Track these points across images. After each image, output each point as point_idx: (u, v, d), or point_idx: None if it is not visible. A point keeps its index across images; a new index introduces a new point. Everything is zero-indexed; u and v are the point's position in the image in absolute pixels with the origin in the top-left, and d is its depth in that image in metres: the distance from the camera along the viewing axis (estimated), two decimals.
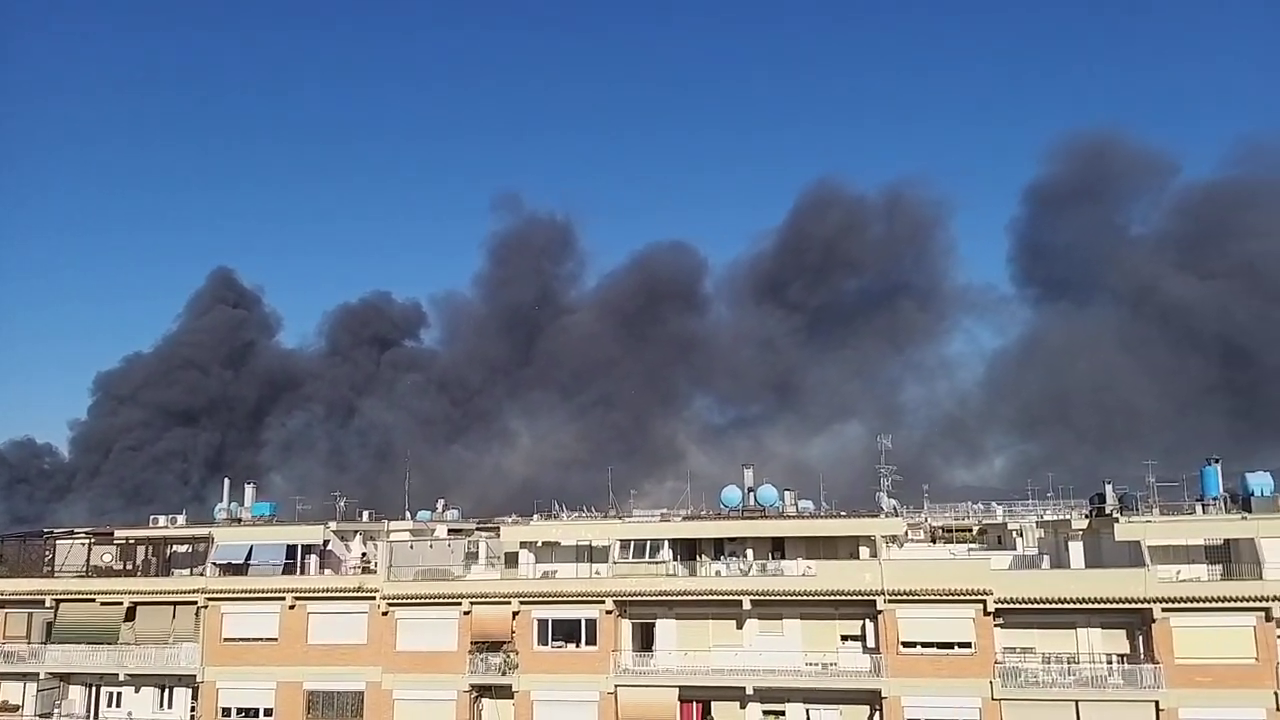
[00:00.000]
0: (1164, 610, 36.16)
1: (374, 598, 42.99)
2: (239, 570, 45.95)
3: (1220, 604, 36.16)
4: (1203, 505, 39.59)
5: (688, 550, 42.91)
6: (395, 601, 42.83)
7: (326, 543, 47.48)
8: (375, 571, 44.67)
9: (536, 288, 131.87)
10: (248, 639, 43.98)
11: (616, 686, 40.11)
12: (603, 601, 40.84)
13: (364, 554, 49.42)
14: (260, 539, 46.77)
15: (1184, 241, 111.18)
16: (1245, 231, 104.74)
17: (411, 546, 48.25)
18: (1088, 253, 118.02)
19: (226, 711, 43.67)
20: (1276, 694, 35.14)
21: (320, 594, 44.01)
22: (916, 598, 38.16)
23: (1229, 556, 38.21)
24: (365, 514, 53.91)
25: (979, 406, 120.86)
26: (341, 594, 43.71)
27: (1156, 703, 35.76)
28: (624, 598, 41.02)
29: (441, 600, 42.59)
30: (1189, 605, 36.18)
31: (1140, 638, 36.94)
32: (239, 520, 50.12)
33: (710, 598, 40.17)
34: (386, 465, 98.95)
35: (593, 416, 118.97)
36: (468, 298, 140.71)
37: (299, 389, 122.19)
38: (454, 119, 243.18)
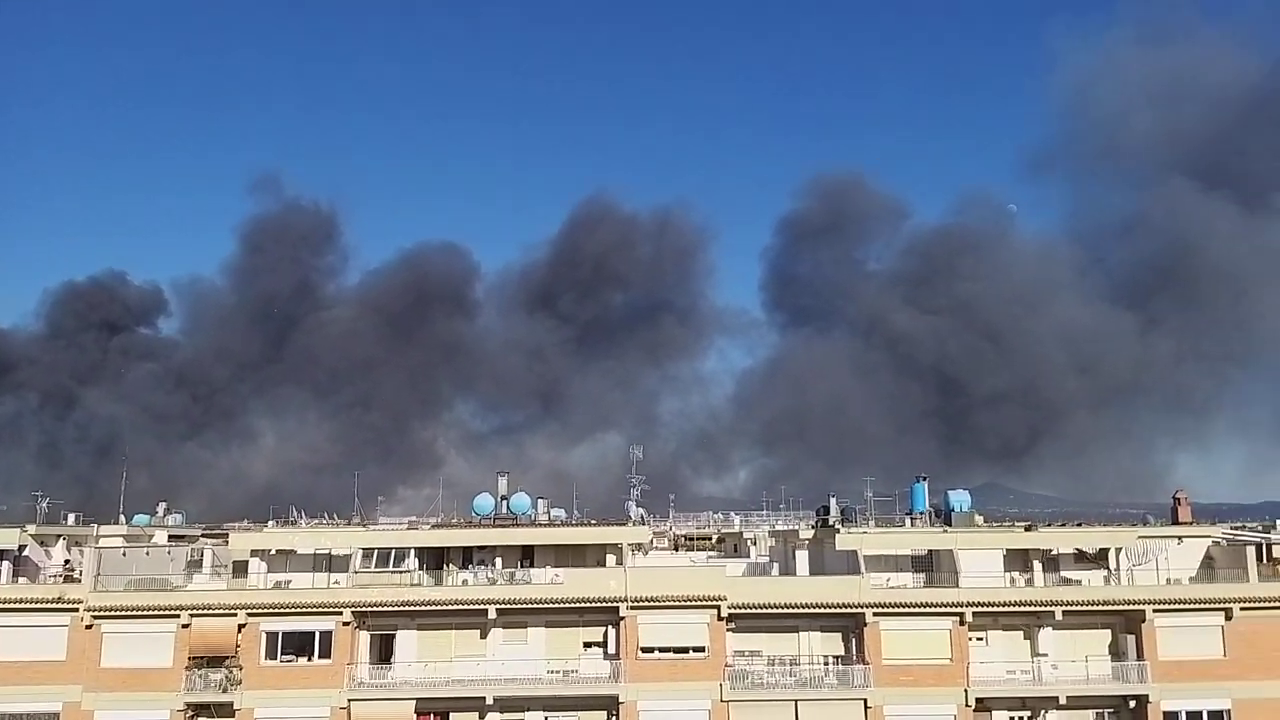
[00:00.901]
0: (875, 615, 39.42)
1: (77, 609, 38.72)
2: None
3: (922, 609, 39.95)
4: (911, 519, 43.75)
5: (435, 559, 41.96)
6: (102, 614, 38.80)
7: (23, 548, 42.34)
8: (80, 580, 40.26)
9: (294, 279, 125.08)
10: None
11: (350, 700, 38.42)
12: (340, 613, 39.03)
13: (67, 561, 44.47)
14: None
15: (911, 279, 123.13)
16: (962, 274, 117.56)
17: (125, 554, 43.89)
18: (830, 284, 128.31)
19: None
20: (966, 691, 39.04)
21: (10, 605, 39.08)
22: (657, 603, 39.39)
23: (931, 566, 42.32)
24: (72, 516, 48.54)
25: (728, 421, 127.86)
26: (37, 605, 39.04)
27: (865, 700, 38.79)
28: (363, 609, 39.43)
29: (156, 612, 39.04)
30: (896, 610, 39.68)
31: (854, 640, 40.02)
32: None
33: (455, 608, 39.44)
34: (108, 463, 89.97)
35: (348, 418, 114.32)
36: (216, 285, 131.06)
37: (9, 374, 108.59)
38: (217, 88, 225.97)
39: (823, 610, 39.61)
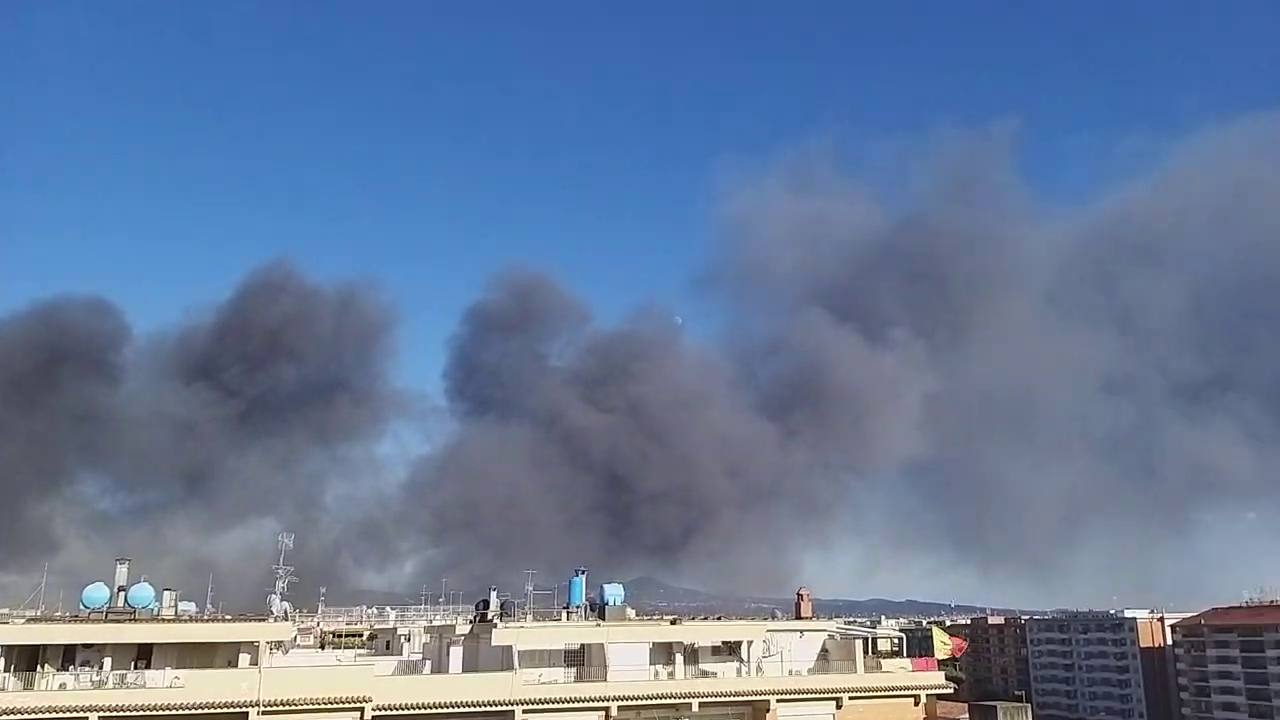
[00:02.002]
0: (525, 712, 39.23)
1: None
2: None
3: (571, 704, 40.37)
4: (568, 613, 44.48)
5: (28, 659, 36.03)
6: None
7: None
8: None
9: None
10: None
11: None
12: None
13: None
14: None
15: (589, 378, 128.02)
16: (634, 376, 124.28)
17: None
18: (513, 376, 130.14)
19: None
20: None
21: None
22: (295, 708, 36.47)
23: (583, 660, 43.08)
24: None
25: (398, 509, 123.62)
26: None
27: None
28: None
29: None
30: (546, 706, 39.77)
31: None
32: None
33: (49, 715, 33.95)
34: None
35: None
36: None
37: None
38: None
39: (473, 709, 38.78)
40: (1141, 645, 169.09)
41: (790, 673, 45.48)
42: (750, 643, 45.30)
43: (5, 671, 35.26)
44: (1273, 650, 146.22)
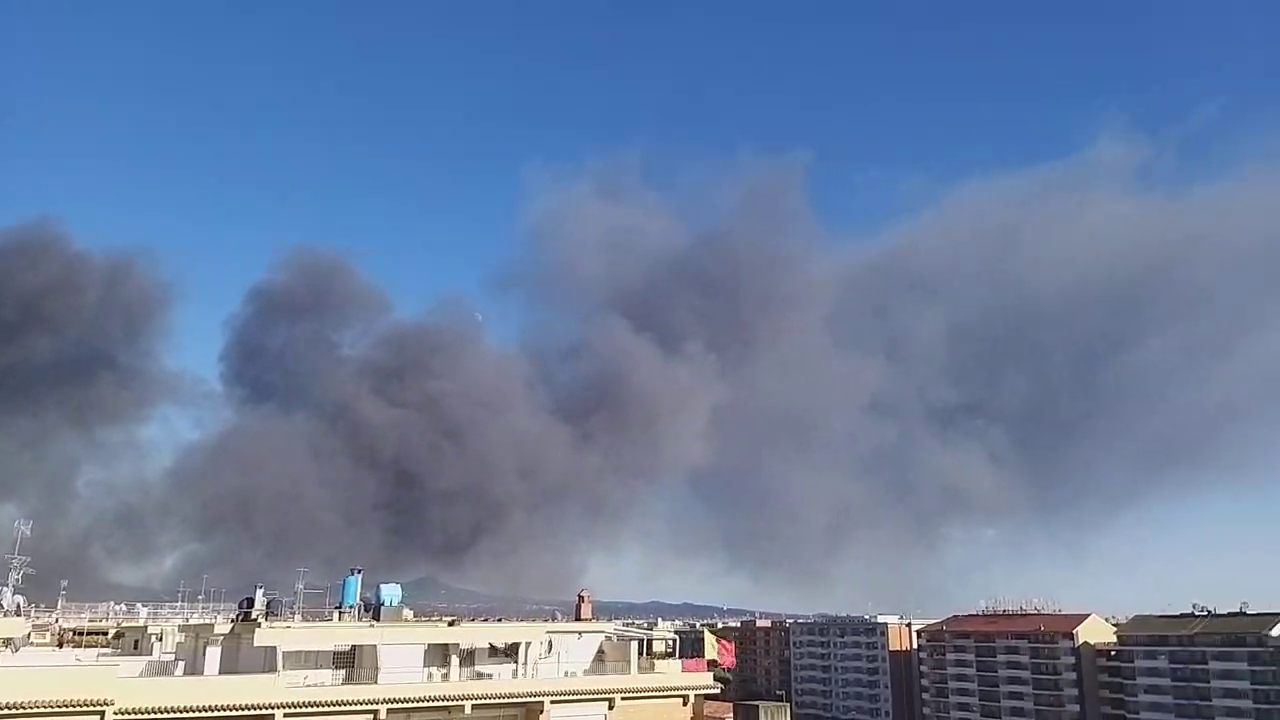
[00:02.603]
0: (286, 715, 37.42)
1: None
2: None
3: (337, 707, 38.90)
4: (340, 613, 42.94)
5: None
6: None
7: None
8: None
9: None
10: None
11: None
12: None
13: None
14: None
15: (383, 370, 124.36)
16: (433, 372, 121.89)
17: None
18: (299, 363, 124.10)
19: None
20: None
21: None
22: (24, 712, 33.05)
23: (354, 662, 41.71)
24: None
25: (160, 499, 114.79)
26: None
27: None
28: None
29: None
30: (308, 710, 38.12)
31: None
32: None
33: None
34: None
35: None
36: None
37: None
38: None
39: (229, 713, 36.60)
40: (891, 649, 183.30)
41: (566, 674, 46.00)
42: (528, 644, 45.46)
43: None
44: (1003, 655, 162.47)
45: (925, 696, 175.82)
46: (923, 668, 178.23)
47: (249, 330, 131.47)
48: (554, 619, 52.60)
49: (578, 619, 51.08)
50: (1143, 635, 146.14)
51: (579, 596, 51.94)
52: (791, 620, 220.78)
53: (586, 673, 47.29)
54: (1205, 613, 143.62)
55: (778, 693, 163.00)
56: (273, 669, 38.14)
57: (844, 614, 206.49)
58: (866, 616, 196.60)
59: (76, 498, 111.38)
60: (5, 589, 38.30)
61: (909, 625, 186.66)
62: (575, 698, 44.18)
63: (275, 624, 39.75)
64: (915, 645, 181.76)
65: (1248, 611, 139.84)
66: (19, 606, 39.07)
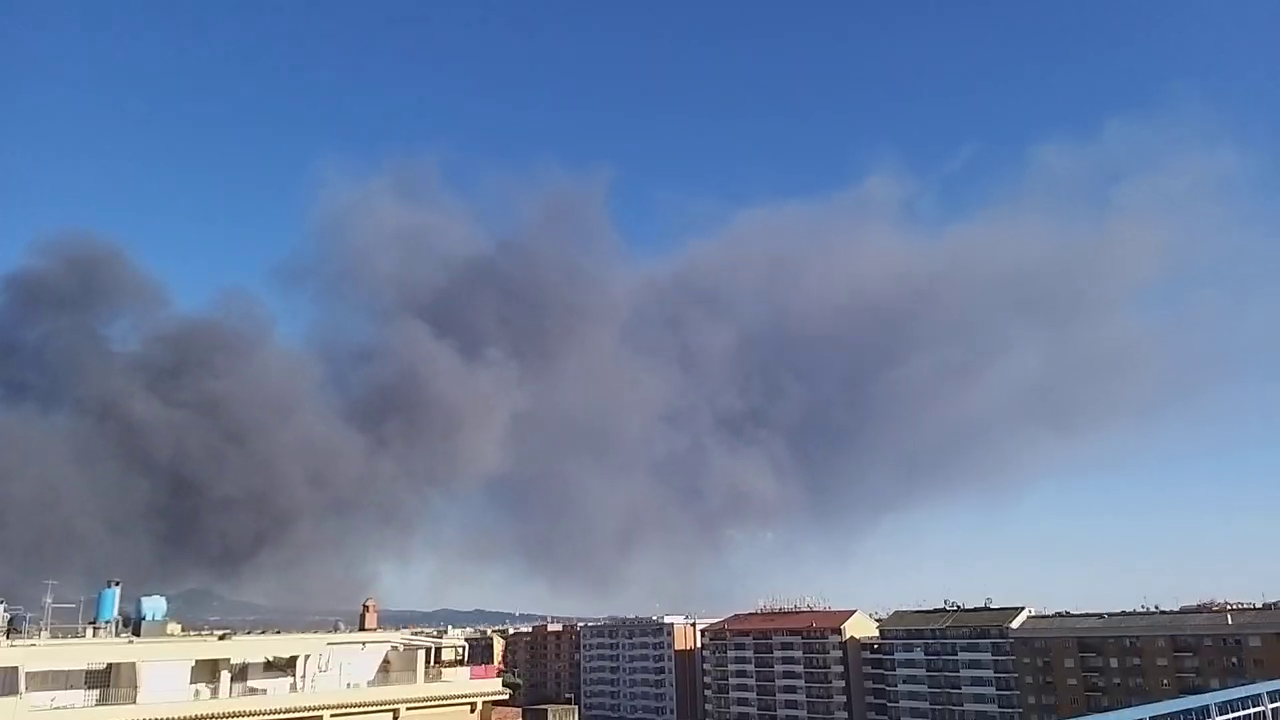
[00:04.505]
0: None
1: None
2: None
3: None
4: (95, 628, 39.94)
5: None
6: None
7: None
8: None
9: None
10: None
11: None
12: None
13: None
14: None
15: (159, 368, 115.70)
16: (215, 371, 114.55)
17: None
18: (62, 358, 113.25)
19: None
20: None
21: None
22: None
23: (109, 681, 38.96)
24: None
25: None
26: None
27: None
28: None
29: None
30: None
31: None
32: None
33: None
34: None
35: None
36: None
37: None
38: None
39: None
40: (676, 648, 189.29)
41: (349, 686, 44.96)
42: (307, 657, 44.07)
43: None
44: (779, 651, 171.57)
45: (708, 694, 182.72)
46: (705, 665, 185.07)
47: (2, 323, 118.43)
48: (337, 629, 51.16)
49: (362, 629, 50.01)
50: (901, 629, 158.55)
51: (364, 606, 50.84)
52: (583, 624, 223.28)
53: (370, 684, 46.40)
54: (955, 608, 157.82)
55: (566, 696, 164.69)
56: (14, 691, 35.07)
57: (633, 615, 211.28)
58: (654, 617, 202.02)
59: None
60: None
61: (694, 625, 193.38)
62: (357, 710, 43.32)
63: (18, 642, 36.52)
64: (699, 644, 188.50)
65: (991, 606, 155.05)
66: None
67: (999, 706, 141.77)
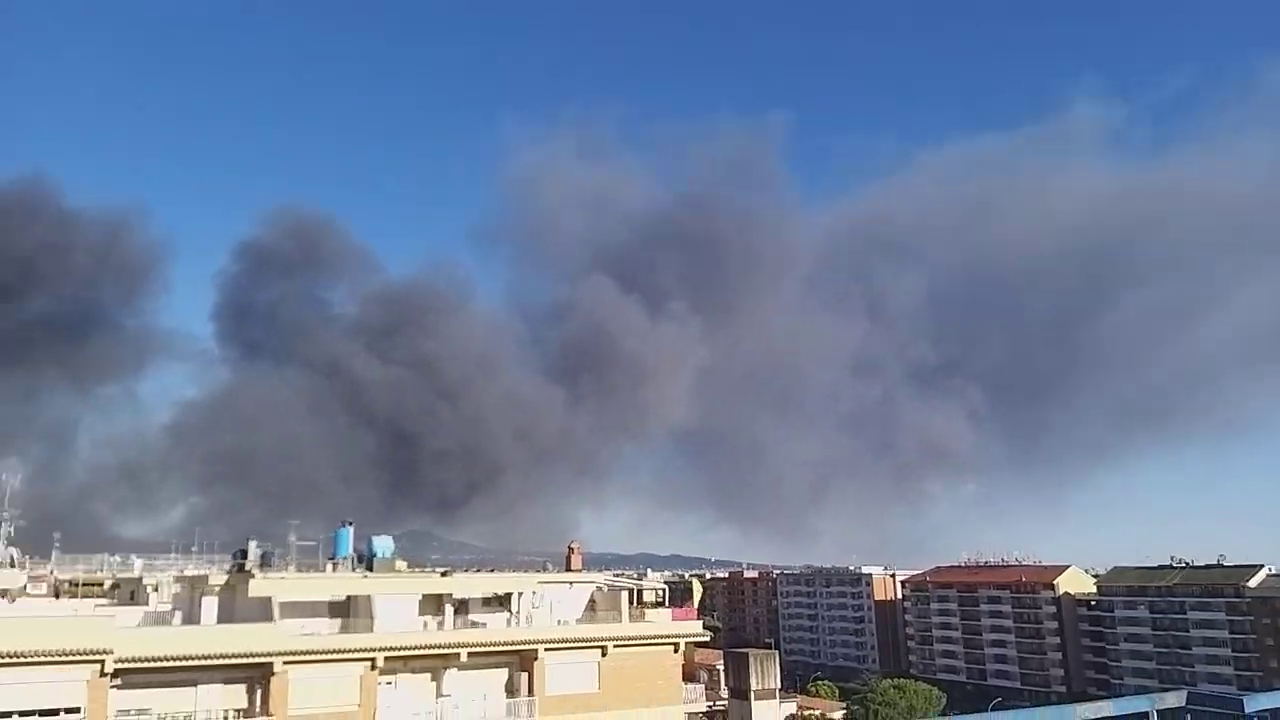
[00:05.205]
0: (285, 663, 38.06)
1: None
2: None
3: (336, 655, 39.54)
4: (334, 564, 43.43)
5: None
6: None
7: None
8: None
9: None
10: None
11: None
12: None
13: None
14: None
15: (375, 329, 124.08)
16: (424, 330, 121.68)
17: None
18: (291, 321, 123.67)
19: None
20: None
21: None
22: (21, 659, 33.54)
23: (348, 612, 42.32)
24: None
25: (161, 454, 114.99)
26: None
27: None
28: None
29: None
30: (308, 657, 38.75)
31: (260, 691, 38.14)
32: None
33: None
34: None
35: None
36: None
37: None
38: None
39: (228, 661, 37.24)
40: (876, 598, 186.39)
41: (559, 623, 46.77)
42: (520, 594, 46.13)
43: None
44: (986, 605, 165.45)
45: (910, 644, 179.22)
46: (907, 616, 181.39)
47: (238, 288, 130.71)
48: (545, 569, 53.29)
49: (568, 570, 51.80)
50: (1121, 586, 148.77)
51: (569, 548, 52.60)
52: (778, 571, 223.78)
53: (579, 622, 48.07)
54: (1183, 564, 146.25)
55: (766, 640, 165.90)
56: (268, 619, 38.69)
57: (829, 565, 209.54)
58: (851, 567, 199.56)
59: (76, 453, 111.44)
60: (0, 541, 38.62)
61: (893, 576, 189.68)
62: (569, 646, 44.99)
63: (270, 575, 40.23)
64: (900, 595, 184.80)
65: (1225, 563, 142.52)
66: (12, 559, 39.41)
67: (1234, 669, 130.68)
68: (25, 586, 39.76)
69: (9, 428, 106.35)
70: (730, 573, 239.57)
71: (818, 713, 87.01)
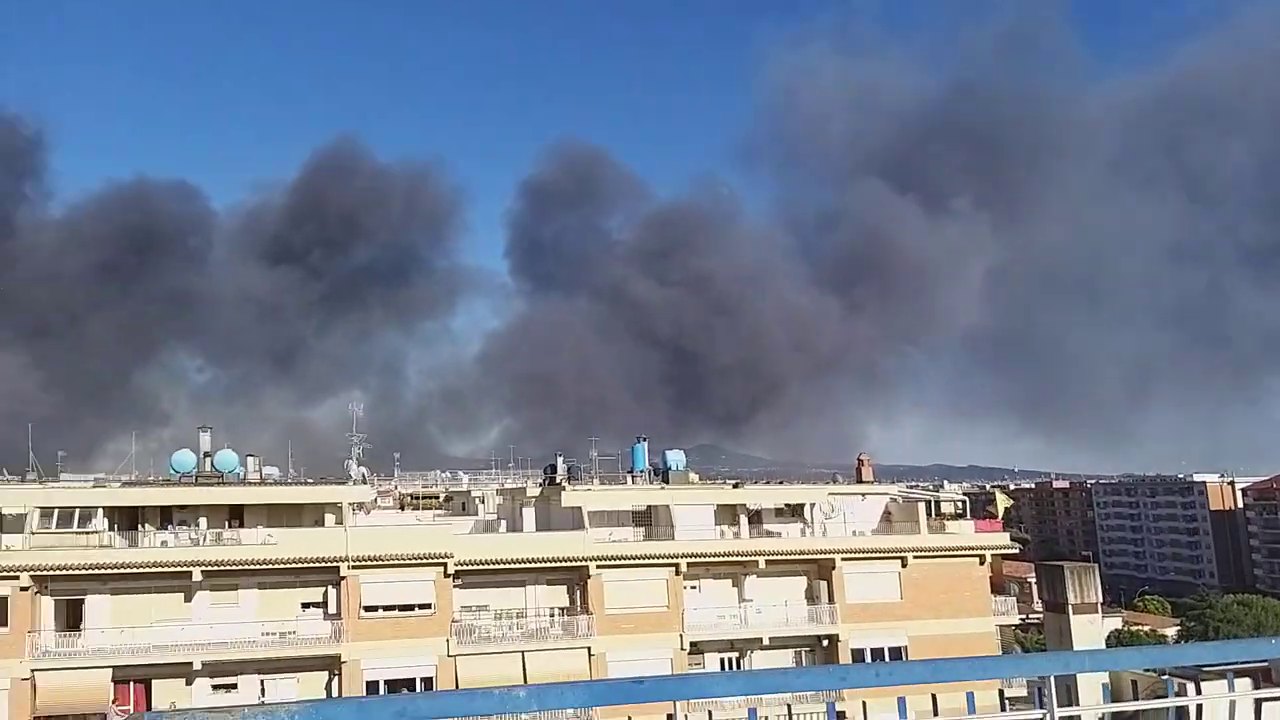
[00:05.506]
0: (597, 568, 40.96)
1: None
2: None
3: (641, 561, 41.97)
4: (632, 477, 45.72)
5: (129, 519, 38.73)
6: None
7: None
8: None
9: None
10: None
11: (34, 671, 34.92)
12: (16, 577, 35.16)
13: None
14: None
15: (649, 252, 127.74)
16: (697, 250, 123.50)
17: None
18: (573, 251, 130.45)
19: None
20: (681, 635, 41.48)
21: None
22: (381, 563, 38.68)
23: (650, 521, 44.53)
24: None
25: (475, 381, 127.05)
26: None
27: (589, 648, 40.23)
28: (43, 572, 35.74)
29: None
30: (617, 563, 41.44)
31: (578, 592, 41.39)
32: None
33: (153, 570, 36.69)
34: None
35: (61, 365, 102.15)
36: None
37: None
38: None
39: (548, 564, 40.65)
40: (1211, 509, 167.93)
41: (854, 533, 46.37)
42: (812, 505, 46.14)
43: (110, 530, 37.96)
44: None
45: (1255, 558, 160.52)
46: (1251, 528, 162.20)
47: (525, 224, 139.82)
48: (834, 481, 52.80)
49: (859, 482, 50.97)
50: None
51: (859, 460, 51.65)
52: (1093, 481, 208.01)
53: (874, 533, 47.36)
54: None
55: (1084, 553, 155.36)
56: (580, 527, 41.64)
57: (1152, 473, 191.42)
58: (1180, 475, 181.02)
59: (407, 382, 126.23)
60: (350, 462, 44.42)
61: (1231, 483, 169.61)
62: (867, 555, 44.55)
63: (578, 487, 43.16)
64: (1241, 504, 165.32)
65: None
66: (364, 476, 45.23)
67: None
68: (376, 500, 45.59)
69: (351, 364, 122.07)
70: (1037, 483, 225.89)
71: (1146, 628, 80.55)
